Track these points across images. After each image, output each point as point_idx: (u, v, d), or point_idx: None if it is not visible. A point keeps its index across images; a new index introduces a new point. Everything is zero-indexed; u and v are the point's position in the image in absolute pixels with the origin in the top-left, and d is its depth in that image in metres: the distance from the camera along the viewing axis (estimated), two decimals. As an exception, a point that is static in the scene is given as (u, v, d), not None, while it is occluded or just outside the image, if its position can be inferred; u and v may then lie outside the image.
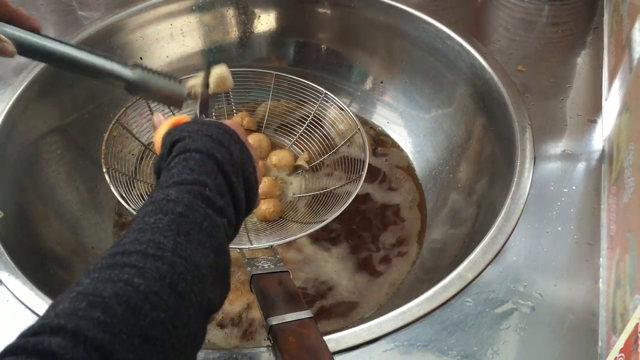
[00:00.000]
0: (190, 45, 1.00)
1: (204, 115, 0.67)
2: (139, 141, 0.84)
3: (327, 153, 0.89)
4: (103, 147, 0.75)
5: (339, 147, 0.88)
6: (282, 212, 0.81)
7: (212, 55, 1.02)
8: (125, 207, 0.69)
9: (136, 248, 0.37)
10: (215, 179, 0.46)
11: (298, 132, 0.92)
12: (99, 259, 0.37)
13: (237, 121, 0.87)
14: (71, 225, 0.80)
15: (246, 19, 1.01)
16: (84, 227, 0.82)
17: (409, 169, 0.92)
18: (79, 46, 0.61)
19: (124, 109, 0.81)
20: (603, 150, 0.70)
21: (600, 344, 0.53)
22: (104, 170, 0.73)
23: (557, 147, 0.71)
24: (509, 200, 0.65)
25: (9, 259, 0.62)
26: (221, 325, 0.74)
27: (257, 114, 0.96)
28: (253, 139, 0.88)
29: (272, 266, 0.62)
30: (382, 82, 0.98)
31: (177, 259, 0.38)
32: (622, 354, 0.47)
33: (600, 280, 0.57)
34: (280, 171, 0.87)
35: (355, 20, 0.98)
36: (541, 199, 0.65)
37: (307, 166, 0.87)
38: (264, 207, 0.80)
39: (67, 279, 0.71)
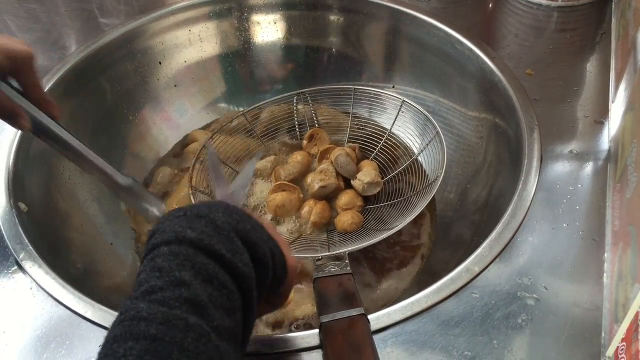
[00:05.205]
0: (207, 51, 1.03)
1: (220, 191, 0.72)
2: (227, 165, 0.91)
3: (402, 161, 0.91)
4: (190, 172, 0.85)
5: (418, 155, 0.90)
6: (362, 222, 0.82)
7: (228, 60, 1.05)
8: None
9: None
10: (193, 266, 0.38)
11: (379, 143, 0.94)
12: None
13: None
14: (91, 221, 0.82)
15: (261, 26, 1.04)
16: (104, 223, 0.84)
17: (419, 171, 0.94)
18: (83, 144, 0.69)
19: (211, 134, 0.90)
20: (609, 150, 0.71)
21: (603, 334, 0.54)
22: (190, 192, 0.81)
23: (564, 147, 0.73)
24: (515, 197, 0.66)
25: (32, 249, 0.65)
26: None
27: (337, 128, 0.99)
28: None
29: (337, 269, 0.64)
30: (393, 87, 1.00)
31: None
32: (624, 343, 0.48)
33: (605, 274, 0.59)
34: (364, 184, 0.85)
35: (366, 26, 1.01)
36: (548, 197, 0.67)
37: (380, 180, 0.86)
38: (345, 219, 0.81)
39: (87, 268, 0.74)
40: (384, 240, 0.73)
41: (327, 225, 0.84)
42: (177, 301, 0.36)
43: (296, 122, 0.98)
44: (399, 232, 0.73)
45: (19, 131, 0.77)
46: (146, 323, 0.34)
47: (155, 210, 0.78)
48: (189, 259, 0.39)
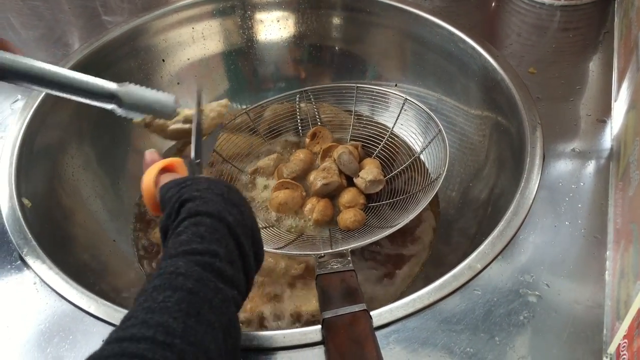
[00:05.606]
0: (211, 48, 1.04)
1: (199, 161, 0.65)
2: (230, 163, 0.92)
3: (404, 159, 0.91)
4: None
5: (420, 153, 0.90)
6: (364, 220, 0.82)
7: (232, 58, 1.05)
8: None
9: (144, 334, 0.36)
10: (226, 246, 0.44)
11: (382, 141, 0.94)
12: (106, 342, 0.36)
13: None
14: (94, 218, 0.83)
15: (265, 24, 1.05)
16: (107, 220, 0.85)
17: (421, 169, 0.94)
18: (59, 67, 0.59)
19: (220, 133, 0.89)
20: (611, 149, 0.71)
21: (605, 331, 0.54)
22: None
23: (567, 146, 0.73)
24: (517, 195, 0.66)
25: (36, 245, 0.65)
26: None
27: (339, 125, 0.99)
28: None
29: (339, 266, 0.65)
30: (396, 85, 1.00)
31: (187, 346, 0.36)
32: (626, 340, 0.49)
33: (607, 272, 0.59)
34: (367, 182, 0.85)
35: (369, 24, 1.01)
36: (550, 195, 0.67)
37: (383, 178, 0.86)
38: (347, 216, 0.81)
39: (91, 264, 0.74)
40: (386, 237, 0.73)
41: (329, 223, 0.84)
42: (211, 267, 0.42)
43: (299, 120, 0.98)
44: (401, 230, 0.74)
45: (23, 128, 0.77)
46: (184, 278, 0.40)
47: (169, 101, 0.65)
48: (225, 238, 0.45)
